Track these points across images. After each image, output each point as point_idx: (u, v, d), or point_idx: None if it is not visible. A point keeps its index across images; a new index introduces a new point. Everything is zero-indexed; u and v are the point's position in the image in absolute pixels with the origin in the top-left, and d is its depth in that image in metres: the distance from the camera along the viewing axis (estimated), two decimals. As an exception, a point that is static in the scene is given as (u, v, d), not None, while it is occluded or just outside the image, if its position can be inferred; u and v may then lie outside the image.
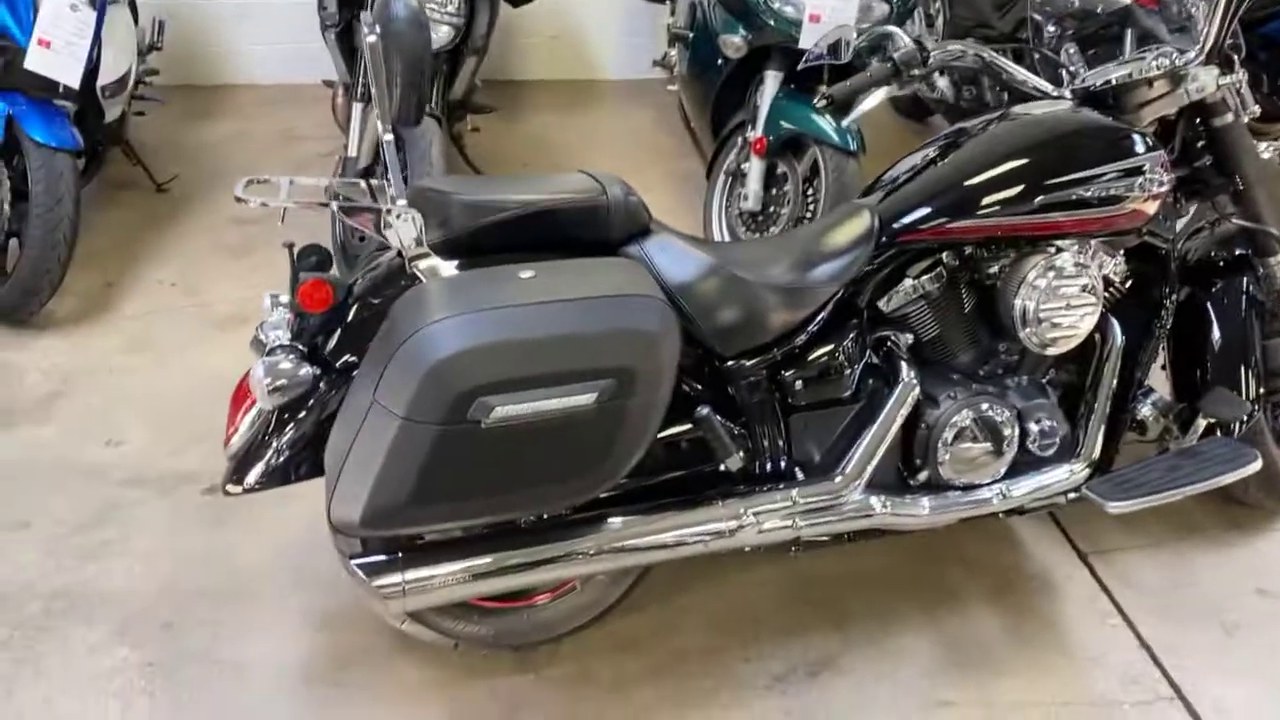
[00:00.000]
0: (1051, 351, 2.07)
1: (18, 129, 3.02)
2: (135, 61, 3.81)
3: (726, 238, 3.48)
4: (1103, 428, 2.17)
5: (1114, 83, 2.08)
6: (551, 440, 1.57)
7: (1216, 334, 2.31)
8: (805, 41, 3.15)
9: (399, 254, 1.72)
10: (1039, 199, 1.98)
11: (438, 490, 1.57)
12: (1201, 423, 2.19)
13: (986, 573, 2.36)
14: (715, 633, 2.21)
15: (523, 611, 2.07)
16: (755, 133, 3.32)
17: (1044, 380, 2.18)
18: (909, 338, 2.09)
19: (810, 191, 3.31)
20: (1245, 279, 2.34)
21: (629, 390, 1.59)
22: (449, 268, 1.70)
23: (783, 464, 2.00)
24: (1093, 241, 2.07)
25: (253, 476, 1.79)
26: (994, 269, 2.06)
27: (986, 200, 1.98)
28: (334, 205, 1.73)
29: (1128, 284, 2.21)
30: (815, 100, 3.18)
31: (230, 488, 1.81)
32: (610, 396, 1.57)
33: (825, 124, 3.22)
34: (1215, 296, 2.33)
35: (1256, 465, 2.11)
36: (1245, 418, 2.23)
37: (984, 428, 2.04)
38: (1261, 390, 2.31)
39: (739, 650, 2.17)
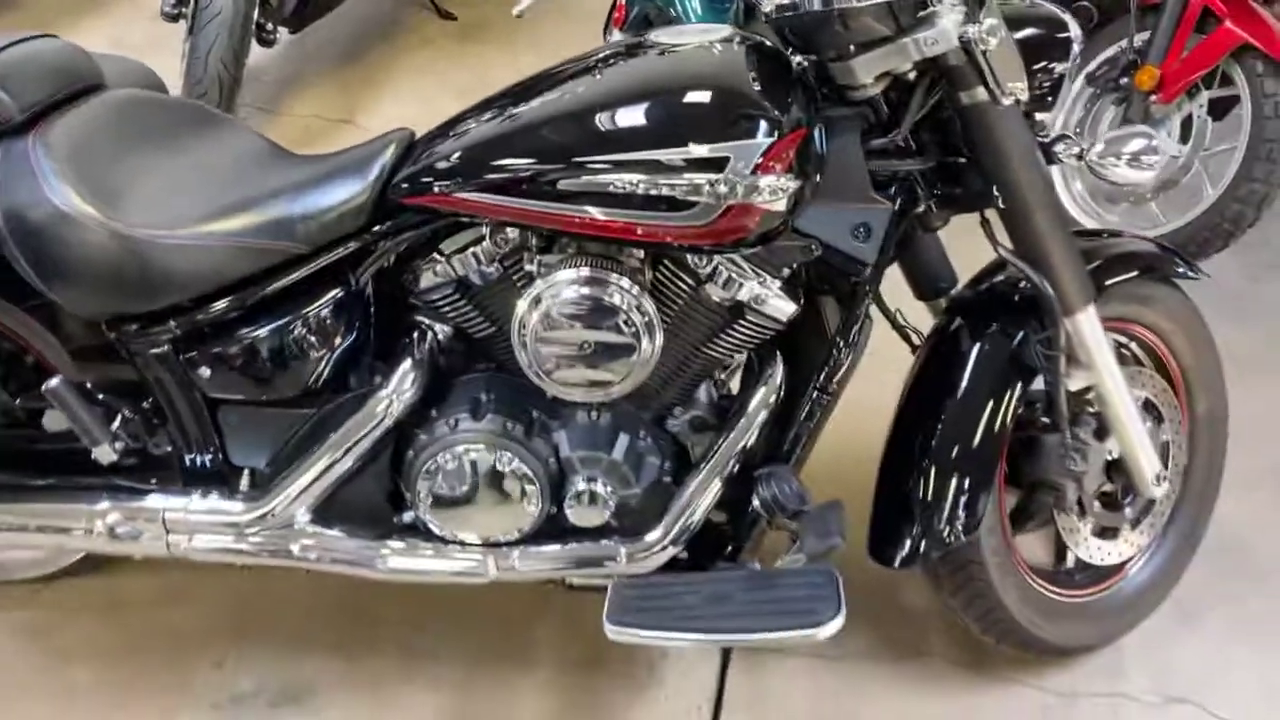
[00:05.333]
0: (576, 398, 1.46)
1: None
2: None
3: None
4: (705, 501, 1.54)
5: (801, 7, 1.34)
6: None
7: (962, 391, 1.56)
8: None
9: None
10: (568, 181, 1.34)
11: None
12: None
13: (578, 639, 1.81)
14: (210, 618, 1.85)
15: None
16: (617, -8, 2.60)
17: (655, 414, 1.56)
18: (447, 332, 1.54)
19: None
20: (1022, 336, 1.55)
21: None
22: None
23: (208, 464, 1.56)
24: (710, 257, 1.40)
25: None
26: (530, 265, 1.45)
27: (510, 167, 1.37)
28: None
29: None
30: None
31: None
32: None
33: (698, 4, 2.46)
34: (967, 353, 1.57)
35: (826, 630, 1.38)
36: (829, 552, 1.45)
37: (479, 474, 1.49)
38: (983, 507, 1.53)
39: (221, 648, 1.81)
